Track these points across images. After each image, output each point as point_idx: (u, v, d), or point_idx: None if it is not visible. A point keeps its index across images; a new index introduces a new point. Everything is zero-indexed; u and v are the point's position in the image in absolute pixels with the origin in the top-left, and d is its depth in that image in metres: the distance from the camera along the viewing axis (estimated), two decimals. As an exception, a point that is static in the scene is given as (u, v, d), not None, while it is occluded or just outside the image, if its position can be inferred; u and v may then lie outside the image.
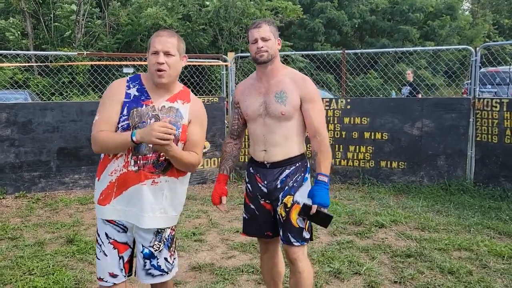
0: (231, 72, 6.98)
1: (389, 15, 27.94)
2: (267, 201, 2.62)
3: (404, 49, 7.71)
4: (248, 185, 2.70)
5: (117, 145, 2.17)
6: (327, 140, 2.51)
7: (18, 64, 8.01)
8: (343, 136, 6.44)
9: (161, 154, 2.19)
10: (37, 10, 19.86)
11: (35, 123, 6.03)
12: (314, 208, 2.37)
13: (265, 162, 2.58)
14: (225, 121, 7.01)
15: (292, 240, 2.51)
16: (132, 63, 7.35)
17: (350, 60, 7.73)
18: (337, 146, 6.46)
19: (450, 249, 4.02)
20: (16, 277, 3.47)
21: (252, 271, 3.61)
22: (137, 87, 2.26)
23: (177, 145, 2.23)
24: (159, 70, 2.17)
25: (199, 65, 7.65)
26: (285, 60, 10.66)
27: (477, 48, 6.14)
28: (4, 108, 5.93)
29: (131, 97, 2.23)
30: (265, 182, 2.58)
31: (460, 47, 7.16)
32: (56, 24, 19.62)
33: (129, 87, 2.26)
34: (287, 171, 2.55)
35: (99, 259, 2.29)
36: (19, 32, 19.36)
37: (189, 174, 2.40)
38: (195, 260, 3.85)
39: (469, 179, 6.06)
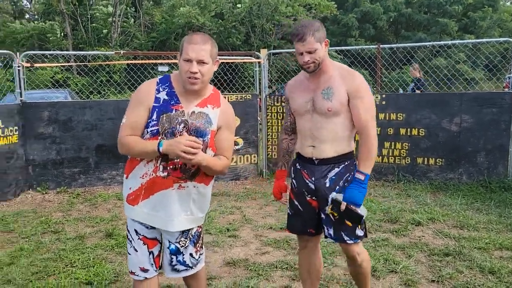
0: (264, 69, 6.98)
1: (426, 7, 27.21)
2: (313, 197, 2.59)
3: (442, 42, 7.50)
4: (294, 181, 2.69)
5: (143, 152, 2.18)
6: (372, 138, 2.44)
7: (58, 64, 8.31)
8: (378, 132, 6.23)
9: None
10: (75, 11, 20.50)
11: (75, 121, 6.23)
12: (344, 205, 2.39)
13: (314, 158, 2.56)
14: (258, 118, 7.03)
15: (346, 238, 2.52)
16: (167, 61, 7.48)
17: (386, 55, 7.59)
18: (371, 142, 6.34)
19: (490, 249, 3.90)
20: (59, 269, 3.61)
21: (286, 267, 3.62)
22: (167, 90, 2.23)
23: (205, 151, 2.23)
24: (192, 78, 2.14)
25: (232, 63, 7.69)
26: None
27: (520, 40, 5.91)
28: (46, 106, 6.16)
29: (161, 102, 2.20)
30: (313, 178, 2.56)
31: (502, 39, 6.90)
32: (94, 25, 20.21)
33: (158, 91, 2.22)
34: (336, 169, 2.53)
35: (130, 254, 2.35)
36: (60, 34, 20.07)
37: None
38: (229, 255, 3.89)
39: (511, 176, 5.84)
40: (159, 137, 2.17)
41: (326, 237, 2.62)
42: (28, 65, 6.22)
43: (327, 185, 2.52)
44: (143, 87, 2.28)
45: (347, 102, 2.46)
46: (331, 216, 2.53)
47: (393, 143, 6.30)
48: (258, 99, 6.99)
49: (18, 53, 6.16)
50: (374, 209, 5.04)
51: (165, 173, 2.19)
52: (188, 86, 2.17)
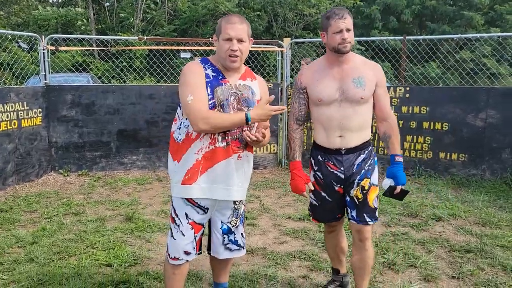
0: (287, 58, 6.92)
1: (451, 0, 26.55)
2: (341, 186, 2.66)
3: (470, 35, 7.31)
4: (318, 173, 2.70)
5: (232, 125, 2.25)
6: (396, 122, 2.63)
7: (83, 48, 8.40)
8: (400, 125, 6.22)
9: (243, 129, 2.28)
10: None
11: (98, 105, 6.29)
12: (399, 188, 2.56)
13: (342, 149, 2.61)
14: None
15: (368, 219, 2.63)
16: (189, 48, 7.47)
17: (411, 47, 7.43)
18: (393, 135, 6.25)
19: (513, 247, 3.82)
20: (80, 250, 3.67)
21: (304, 257, 3.61)
22: (211, 68, 2.35)
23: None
24: (233, 56, 2.26)
25: (254, 51, 7.64)
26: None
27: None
28: (70, 90, 6.23)
29: (211, 77, 2.31)
30: (342, 168, 2.61)
31: (532, 33, 6.69)
32: (120, 13, 20.34)
33: (205, 68, 2.34)
34: (362, 156, 2.62)
35: (175, 239, 2.39)
36: (86, 20, 20.29)
37: None
38: (248, 243, 3.89)
39: (537, 175, 5.70)
40: (215, 110, 2.25)
41: (349, 219, 2.68)
42: (53, 48, 6.28)
43: (354, 170, 2.61)
44: (193, 66, 2.32)
45: (373, 91, 2.59)
46: (355, 198, 2.62)
47: (415, 136, 6.20)
48: (279, 89, 6.94)
49: (43, 36, 6.23)
50: (394, 203, 4.98)
51: (224, 143, 2.28)
52: (229, 64, 2.28)
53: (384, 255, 3.60)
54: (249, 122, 2.24)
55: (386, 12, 25.46)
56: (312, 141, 2.81)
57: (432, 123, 6.09)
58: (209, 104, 2.25)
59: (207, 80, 2.29)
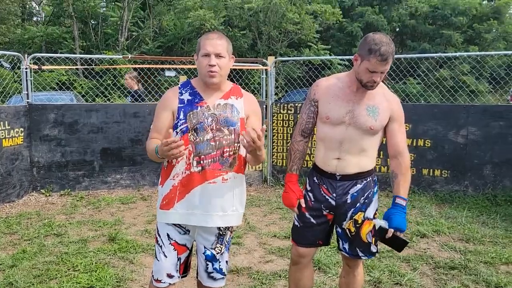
0: (271, 76, 6.98)
1: (431, 19, 27.22)
2: (331, 212, 2.53)
3: (450, 54, 7.47)
4: (310, 194, 2.57)
5: (151, 156, 2.28)
6: (409, 162, 2.45)
7: (66, 67, 8.34)
8: (383, 142, 6.27)
9: (224, 150, 2.24)
10: (86, 14, 20.64)
11: (81, 123, 6.23)
12: (391, 232, 2.32)
13: (337, 174, 2.47)
14: (263, 125, 6.99)
15: (361, 254, 2.53)
16: (174, 66, 7.49)
17: (392, 65, 7.55)
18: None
19: (497, 263, 3.86)
20: (61, 273, 3.59)
21: (290, 277, 3.58)
22: (189, 91, 2.32)
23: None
24: (211, 71, 2.22)
25: (239, 69, 7.69)
26: (324, 65, 10.60)
27: (528, 54, 5.87)
28: (52, 108, 6.17)
29: (185, 102, 2.29)
30: (334, 195, 2.48)
31: (510, 52, 6.87)
32: (105, 30, 20.36)
33: (181, 94, 2.32)
34: (358, 186, 2.47)
35: (158, 260, 2.34)
36: (71, 40, 20.26)
37: None
38: (233, 263, 3.85)
39: (517, 190, 5.79)
40: (189, 134, 2.24)
41: (340, 250, 2.60)
42: (36, 67, 6.23)
43: (348, 201, 2.47)
44: (167, 93, 2.38)
45: (385, 125, 2.45)
46: (347, 231, 2.51)
47: (398, 153, 6.25)
48: (264, 106, 6.98)
49: (26, 55, 6.18)
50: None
51: (199, 168, 2.23)
52: (208, 80, 2.24)
53: (369, 273, 3.60)
54: (158, 155, 2.17)
55: (368, 30, 25.94)
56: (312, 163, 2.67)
57: (414, 140, 6.17)
58: (182, 129, 2.24)
59: (180, 105, 2.28)
